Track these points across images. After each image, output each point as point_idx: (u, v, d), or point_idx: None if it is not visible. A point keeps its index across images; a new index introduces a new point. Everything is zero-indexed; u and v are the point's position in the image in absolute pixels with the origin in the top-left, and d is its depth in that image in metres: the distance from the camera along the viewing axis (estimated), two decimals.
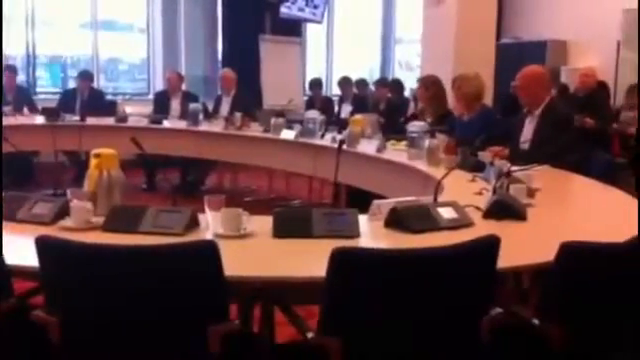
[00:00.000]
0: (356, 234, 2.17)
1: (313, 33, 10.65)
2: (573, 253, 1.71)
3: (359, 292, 1.61)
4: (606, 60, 10.09)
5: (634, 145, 6.53)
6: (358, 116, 5.42)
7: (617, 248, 1.80)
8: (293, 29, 9.46)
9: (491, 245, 1.72)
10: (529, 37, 10.61)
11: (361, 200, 3.21)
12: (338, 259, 1.59)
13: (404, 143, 4.54)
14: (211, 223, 2.24)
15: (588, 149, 4.49)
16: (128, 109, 7.07)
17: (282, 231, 2.17)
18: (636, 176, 3.64)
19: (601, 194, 3.18)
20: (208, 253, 1.66)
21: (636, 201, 2.85)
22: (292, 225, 2.18)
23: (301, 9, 9.18)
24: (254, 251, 2.08)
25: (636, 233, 2.29)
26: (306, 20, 9.56)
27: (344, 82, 8.12)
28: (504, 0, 10.74)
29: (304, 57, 9.93)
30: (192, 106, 6.32)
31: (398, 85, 8.35)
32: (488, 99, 6.37)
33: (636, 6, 9.95)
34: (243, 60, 8.46)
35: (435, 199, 2.58)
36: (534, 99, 4.18)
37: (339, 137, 5.13)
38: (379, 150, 4.60)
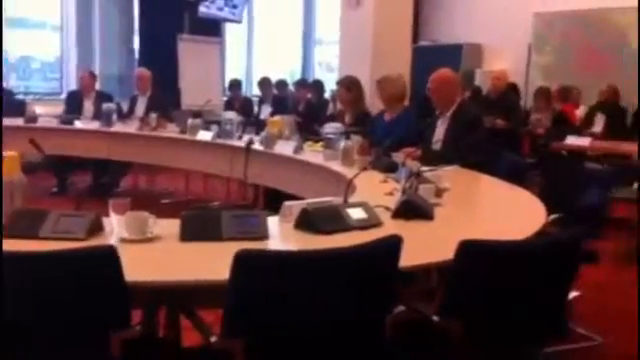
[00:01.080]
0: (265, 236, 2.17)
1: (233, 33, 10.59)
2: (471, 251, 1.77)
3: (262, 294, 1.61)
4: (518, 63, 10.49)
5: (542, 145, 6.82)
6: (275, 117, 5.43)
7: (514, 246, 1.87)
8: (212, 29, 9.37)
9: (394, 244, 1.75)
10: (445, 40, 10.90)
11: (279, 201, 3.21)
12: (241, 261, 1.58)
13: (321, 144, 4.58)
14: (116, 227, 2.18)
15: (497, 149, 4.64)
16: (39, 109, 6.83)
17: (190, 234, 2.14)
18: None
19: (507, 193, 3.29)
20: (107, 258, 1.63)
21: (538, 200, 2.97)
22: (200, 228, 2.16)
23: (220, 8, 9.11)
24: (160, 255, 2.04)
25: (536, 230, 2.40)
26: (225, 20, 9.49)
27: (264, 83, 8.11)
28: (421, 4, 11.00)
29: (223, 57, 9.85)
30: (105, 106, 6.17)
31: (318, 86, 8.40)
32: (405, 101, 6.50)
33: (547, 9, 10.41)
34: (160, 59, 8.31)
35: (345, 200, 2.60)
36: (445, 101, 4.30)
37: (256, 138, 5.13)
38: (296, 151, 4.61)
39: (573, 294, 2.07)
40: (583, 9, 10.17)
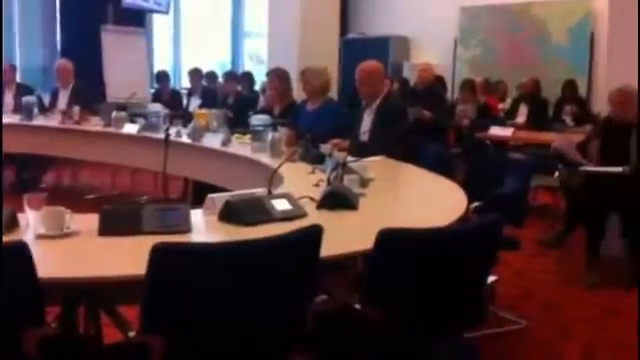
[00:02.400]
0: (187, 229, 2.14)
1: (160, 24, 10.39)
2: (389, 239, 1.79)
3: (180, 287, 1.58)
4: (444, 56, 10.69)
5: (467, 135, 6.98)
6: (202, 110, 5.36)
7: (432, 233, 1.91)
8: (137, 19, 9.16)
9: (314, 235, 1.76)
10: (374, 33, 10.99)
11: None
12: (157, 255, 1.55)
13: (249, 137, 4.55)
14: (32, 223, 2.11)
15: (421, 140, 4.72)
16: None
17: (109, 229, 2.09)
18: None
19: (430, 183, 3.35)
20: (18, 255, 1.57)
21: (461, 189, 3.04)
22: (120, 222, 2.11)
23: None
24: (78, 251, 1.98)
25: (457, 217, 2.45)
26: (151, 10, 9.29)
27: (194, 73, 7.97)
28: None
29: (150, 49, 9.65)
30: (25, 99, 5.96)
31: (248, 78, 8.32)
32: (333, 93, 6.52)
33: (473, 3, 10.65)
34: (84, 51, 8.07)
35: (269, 191, 2.59)
36: (371, 92, 4.34)
37: (184, 131, 5.05)
38: (224, 144, 4.57)
39: (492, 279, 2.12)
40: (507, 3, 10.46)
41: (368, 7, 11.48)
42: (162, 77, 8.14)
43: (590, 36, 9.60)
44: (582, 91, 9.25)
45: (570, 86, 9.07)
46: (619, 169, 4.21)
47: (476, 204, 3.07)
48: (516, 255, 4.15)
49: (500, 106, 9.19)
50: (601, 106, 4.72)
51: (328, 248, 1.93)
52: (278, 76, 5.26)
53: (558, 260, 4.55)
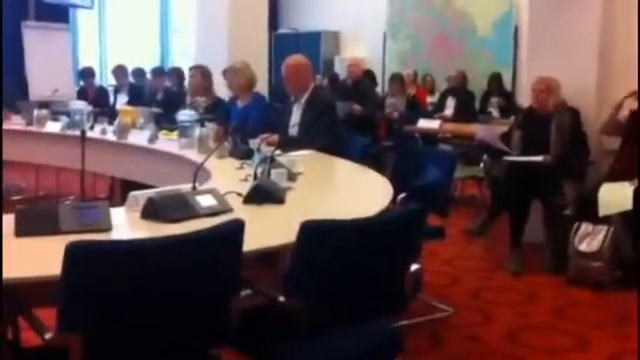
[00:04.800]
0: (107, 227, 2.09)
1: (87, 20, 10.12)
2: (312, 230, 1.81)
3: (96, 285, 1.55)
4: (374, 50, 10.81)
5: (396, 128, 7.08)
6: (127, 107, 5.25)
7: (353, 223, 1.93)
8: (60, 15, 8.89)
9: (235, 229, 1.75)
10: (305, 28, 11.02)
11: None
12: (71, 254, 1.52)
13: (176, 133, 4.50)
14: None
15: (352, 133, 4.77)
16: None
17: (25, 229, 2.03)
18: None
19: (358, 175, 3.39)
20: None
21: (387, 181, 3.08)
22: (36, 223, 2.05)
23: None
24: None
25: (382, 208, 2.49)
26: (74, 5, 9.03)
27: (118, 70, 7.79)
28: None
29: (75, 45, 9.39)
30: None
31: (177, 74, 8.19)
32: (263, 87, 6.51)
33: None
34: (4, 48, 7.76)
35: (194, 187, 2.57)
36: (299, 87, 4.35)
37: (110, 128, 4.95)
38: (151, 141, 4.50)
39: (415, 267, 2.15)
40: None
41: (299, 2, 11.50)
42: (87, 74, 7.94)
43: (514, 30, 9.86)
44: (507, 83, 9.52)
45: (496, 79, 9.33)
46: (540, 158, 4.35)
47: (402, 195, 3.13)
48: (444, 244, 4.24)
49: (429, 99, 9.37)
50: (525, 98, 4.88)
51: (252, 242, 1.93)
52: (200, 73, 5.23)
53: (484, 248, 4.68)
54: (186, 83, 8.23)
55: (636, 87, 4.16)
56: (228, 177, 3.16)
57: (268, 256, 2.24)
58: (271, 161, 3.05)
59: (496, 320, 3.40)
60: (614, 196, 3.97)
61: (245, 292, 1.91)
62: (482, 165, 5.00)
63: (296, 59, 4.40)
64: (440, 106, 8.54)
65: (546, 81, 4.53)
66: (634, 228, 4.02)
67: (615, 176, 4.13)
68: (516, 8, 9.75)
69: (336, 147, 3.96)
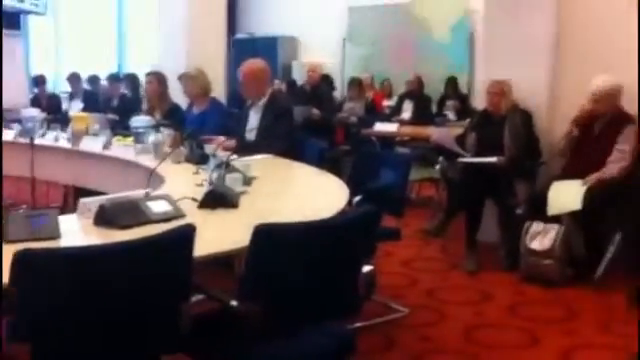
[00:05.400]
0: (57, 235, 2.07)
1: (39, 26, 9.94)
2: (264, 234, 1.82)
3: (43, 294, 1.54)
4: (334, 55, 10.86)
5: (355, 132, 7.13)
6: (80, 113, 5.19)
7: (306, 226, 1.94)
8: (11, 21, 8.72)
9: (186, 234, 1.75)
10: (262, 33, 11.01)
11: None
12: (18, 263, 1.50)
13: (131, 139, 4.46)
14: None
15: (310, 138, 4.79)
16: None
17: None
18: None
19: (314, 179, 3.41)
20: None
21: (343, 184, 3.11)
22: None
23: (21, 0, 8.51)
24: None
25: (337, 211, 2.51)
26: (27, 12, 8.87)
27: (73, 78, 7.70)
28: None
29: (27, 52, 9.22)
30: None
31: (133, 80, 8.12)
32: (220, 92, 6.50)
33: (360, 3, 10.88)
34: None
35: (147, 193, 2.56)
36: (256, 91, 4.35)
37: (63, 135, 4.88)
38: (105, 147, 4.45)
39: (369, 268, 2.18)
40: (392, 2, 10.75)
41: (257, 7, 11.49)
42: (39, 81, 7.81)
43: (470, 35, 10.01)
44: (464, 87, 9.67)
45: (452, 83, 9.47)
46: (494, 159, 4.43)
47: (358, 198, 3.16)
48: (401, 245, 4.29)
49: (387, 103, 9.47)
50: (480, 101, 4.96)
51: (206, 247, 1.93)
52: (157, 79, 5.21)
53: (441, 248, 4.75)
54: (142, 89, 8.20)
55: (587, 88, 4.26)
56: (183, 182, 3.15)
57: (225, 261, 2.24)
58: (226, 166, 3.05)
59: (451, 319, 3.46)
60: (563, 196, 4.06)
61: (198, 297, 1.92)
62: (438, 167, 5.07)
63: (253, 64, 4.41)
64: (398, 110, 8.63)
65: (499, 84, 4.62)
66: (585, 226, 4.13)
67: (566, 176, 4.23)
68: (471, 13, 9.90)
69: (293, 151, 3.98)
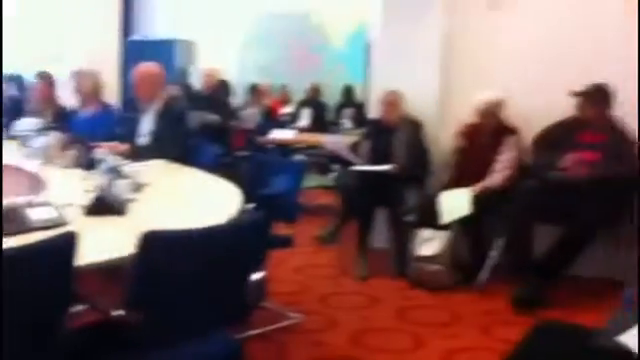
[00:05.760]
0: None
1: None
2: (150, 241, 1.79)
3: None
4: (231, 60, 10.82)
5: (252, 138, 7.13)
6: None
7: (193, 233, 1.92)
8: None
9: (65, 242, 1.70)
10: (159, 35, 10.79)
11: None
12: None
13: (17, 143, 4.26)
14: None
15: (206, 143, 4.74)
16: None
17: None
18: None
19: (207, 186, 3.37)
20: None
21: (237, 190, 3.10)
22: None
23: None
24: None
25: (229, 218, 2.50)
26: None
27: None
28: None
29: None
30: None
31: (18, 82, 7.78)
32: (114, 95, 6.33)
33: (261, 9, 10.90)
34: None
35: (30, 200, 2.46)
36: (150, 95, 4.27)
37: None
38: None
39: (259, 275, 2.19)
40: (291, 10, 10.85)
41: (153, 9, 11.26)
42: None
43: (366, 44, 10.23)
44: (360, 96, 9.86)
45: (348, 91, 9.68)
46: (386, 167, 4.56)
47: (251, 205, 3.16)
48: (295, 252, 4.32)
49: (285, 110, 9.53)
50: (375, 110, 5.09)
51: (91, 255, 1.88)
52: (46, 80, 5.02)
53: (333, 255, 4.82)
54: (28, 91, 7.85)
55: (473, 101, 4.47)
56: (71, 188, 3.04)
57: (114, 269, 2.19)
58: (116, 172, 2.98)
59: (341, 325, 3.52)
60: (453, 203, 4.23)
61: (82, 307, 1.86)
62: (333, 174, 5.15)
63: (148, 67, 4.33)
64: (295, 117, 8.72)
65: (392, 95, 4.76)
66: (470, 232, 4.33)
67: (453, 185, 4.41)
68: (367, 23, 10.13)
69: (187, 157, 3.93)
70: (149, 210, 2.71)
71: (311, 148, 7.05)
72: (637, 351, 1.57)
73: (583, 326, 1.89)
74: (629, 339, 1.60)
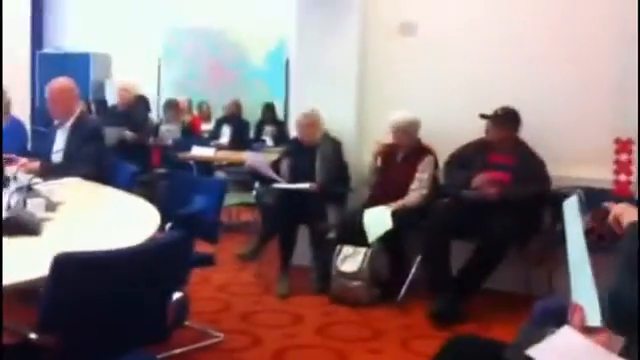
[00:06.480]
0: None
1: None
2: (65, 263, 1.74)
3: None
4: (149, 75, 10.62)
5: (171, 155, 7.01)
6: None
7: (110, 254, 1.88)
8: None
9: None
10: (73, 49, 10.50)
11: None
12: None
13: None
14: None
15: (123, 161, 4.64)
16: None
17: None
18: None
19: (124, 204, 3.30)
20: None
21: (154, 209, 3.05)
22: None
23: None
24: None
25: (147, 237, 2.45)
26: None
27: None
28: (45, 10, 10.44)
29: None
30: None
31: None
32: (25, 110, 6.10)
33: (177, 25, 10.77)
34: None
35: None
36: (64, 111, 4.17)
37: None
38: None
39: (179, 295, 2.15)
40: (208, 26, 10.77)
41: (67, 21, 10.95)
42: None
43: (286, 61, 10.29)
44: (281, 113, 9.89)
45: (269, 108, 9.68)
46: (307, 185, 4.59)
47: (170, 224, 3.11)
48: (217, 271, 4.29)
49: (205, 127, 9.44)
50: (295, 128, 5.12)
51: (3, 277, 1.80)
52: None
53: (256, 273, 4.80)
54: None
55: (388, 120, 4.57)
56: None
57: (28, 292, 2.10)
58: (28, 190, 2.87)
59: (264, 343, 3.50)
60: (377, 220, 4.30)
61: None
62: (254, 192, 5.14)
63: (61, 82, 4.21)
64: (216, 134, 8.64)
65: (309, 117, 4.77)
66: (389, 249, 4.41)
67: (373, 203, 4.48)
68: (286, 40, 10.19)
69: (103, 175, 3.84)
70: (64, 230, 2.63)
71: (232, 165, 7.01)
72: None
73: (495, 340, 1.95)
74: (537, 353, 1.67)
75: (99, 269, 1.82)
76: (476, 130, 4.32)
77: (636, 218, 1.69)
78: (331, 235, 4.47)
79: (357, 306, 4.12)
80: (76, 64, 9.52)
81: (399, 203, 4.36)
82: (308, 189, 4.57)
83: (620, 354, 1.68)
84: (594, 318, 1.68)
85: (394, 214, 4.27)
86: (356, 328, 3.83)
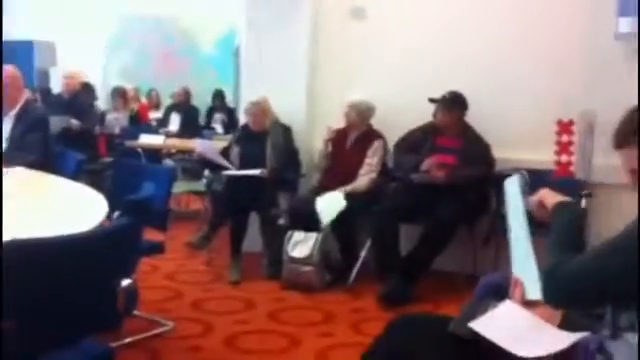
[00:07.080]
0: None
1: None
2: (15, 250, 1.71)
3: None
4: (95, 63, 10.42)
5: (118, 144, 6.92)
6: None
7: (61, 241, 1.86)
8: None
9: None
10: (16, 36, 10.19)
11: None
12: None
13: None
14: None
15: (69, 149, 4.55)
16: None
17: None
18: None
19: (70, 193, 3.24)
20: None
21: (102, 197, 3.01)
22: None
23: None
24: None
25: (94, 225, 2.43)
26: None
27: None
28: None
29: None
30: None
31: None
32: None
33: (124, 12, 10.58)
34: None
35: None
36: (8, 100, 4.06)
37: None
38: None
39: (127, 282, 2.14)
40: (157, 14, 10.63)
41: (9, 9, 10.61)
42: None
43: (236, 49, 10.22)
44: (231, 100, 9.84)
45: (219, 96, 9.62)
46: (257, 171, 4.59)
47: (118, 212, 3.08)
48: (167, 259, 4.27)
49: (154, 114, 9.33)
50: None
51: None
52: None
53: (206, 260, 4.78)
54: None
55: (342, 102, 4.60)
56: None
57: None
58: None
59: (216, 329, 3.50)
60: (330, 204, 4.33)
61: None
62: (204, 179, 5.11)
63: (5, 71, 4.10)
64: (165, 121, 8.54)
65: (258, 106, 4.76)
66: (340, 233, 4.45)
67: (323, 188, 4.51)
68: (236, 29, 10.13)
69: (48, 163, 3.78)
70: (10, 219, 2.57)
71: (181, 153, 6.95)
72: (486, 335, 1.70)
73: (440, 316, 2.01)
74: (480, 325, 1.73)
75: (46, 256, 1.80)
76: (425, 114, 4.38)
77: (557, 200, 1.78)
78: (282, 221, 4.49)
79: (308, 291, 4.15)
80: (20, 52, 9.23)
81: (349, 187, 4.40)
82: (258, 175, 4.56)
83: (559, 326, 1.75)
84: (534, 292, 1.75)
85: (345, 197, 4.31)
86: (307, 312, 3.86)
